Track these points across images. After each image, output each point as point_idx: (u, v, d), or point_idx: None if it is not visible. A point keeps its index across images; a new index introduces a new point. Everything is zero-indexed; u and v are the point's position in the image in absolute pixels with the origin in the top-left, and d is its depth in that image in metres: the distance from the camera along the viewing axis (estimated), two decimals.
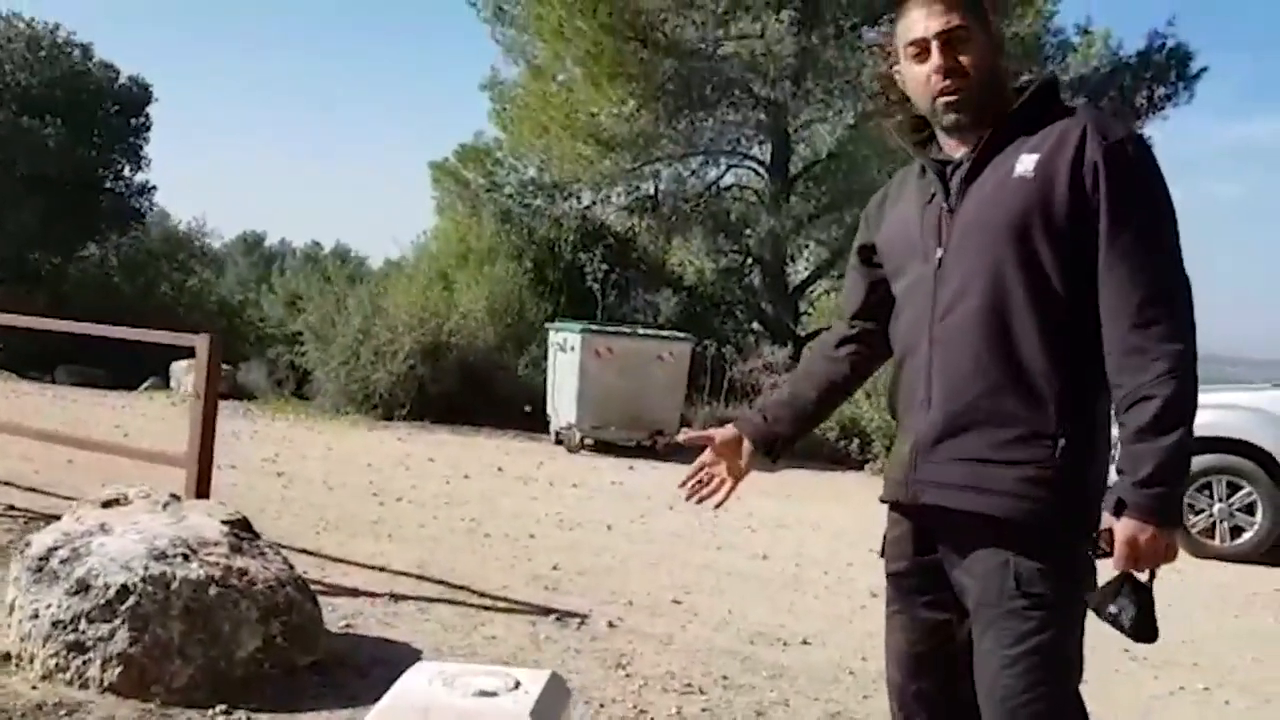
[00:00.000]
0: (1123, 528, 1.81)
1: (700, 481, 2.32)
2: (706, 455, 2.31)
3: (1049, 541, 1.89)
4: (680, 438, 2.41)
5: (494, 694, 2.31)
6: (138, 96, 21.15)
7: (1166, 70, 18.42)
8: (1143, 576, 1.86)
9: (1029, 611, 1.90)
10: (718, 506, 2.33)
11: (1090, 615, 1.92)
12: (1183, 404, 1.81)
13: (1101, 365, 1.88)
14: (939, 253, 2.02)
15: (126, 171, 21.42)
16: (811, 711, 3.86)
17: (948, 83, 2.01)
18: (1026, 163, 1.93)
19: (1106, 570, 1.90)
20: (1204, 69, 18.64)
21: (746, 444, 2.30)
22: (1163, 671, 4.77)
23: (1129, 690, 4.45)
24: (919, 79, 2.05)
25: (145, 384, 14.41)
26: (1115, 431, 1.92)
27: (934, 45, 2.02)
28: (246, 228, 55.20)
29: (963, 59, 2.00)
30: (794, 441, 2.35)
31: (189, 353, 12.93)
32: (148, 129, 21.42)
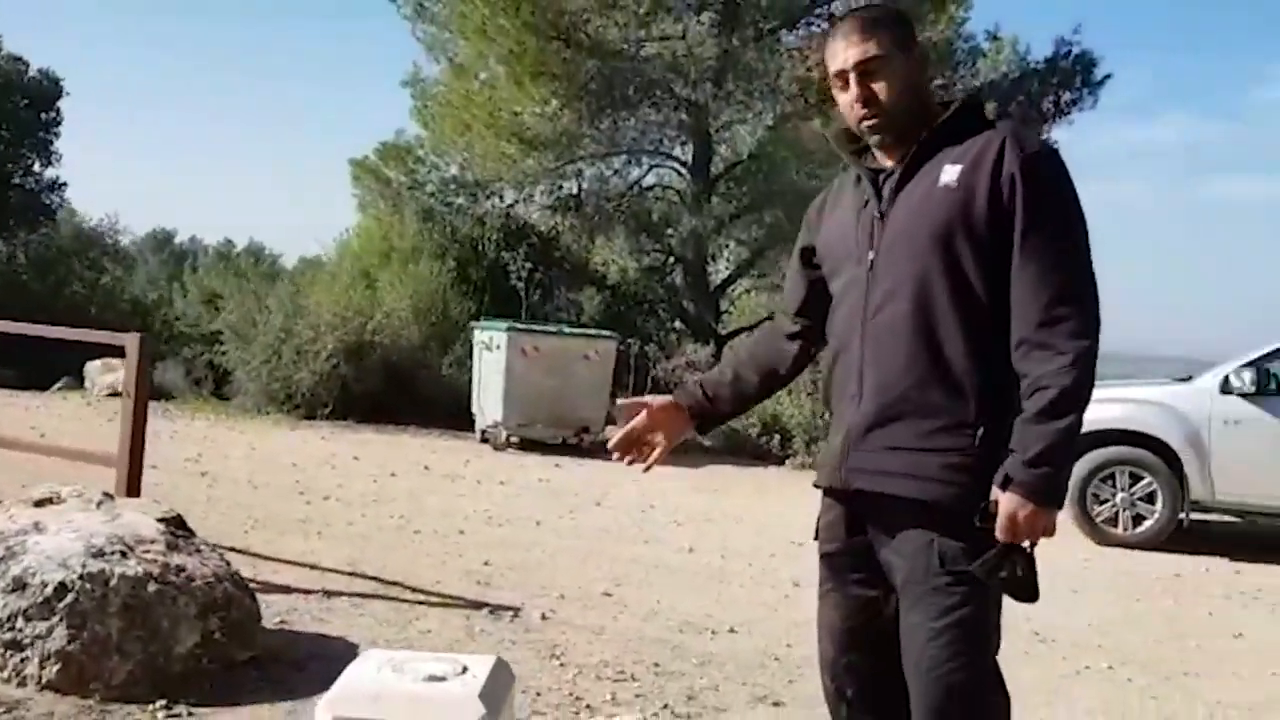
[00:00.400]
0: (1006, 501, 1.97)
1: (631, 443, 2.41)
2: (639, 420, 2.40)
3: (970, 522, 2.04)
4: (620, 402, 2.50)
5: (443, 679, 2.40)
6: (48, 90, 20.64)
7: (1072, 76, 19.02)
8: (1025, 545, 2.02)
9: (952, 587, 2.05)
10: (646, 470, 2.42)
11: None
12: (1077, 394, 1.97)
13: None
14: (871, 256, 2.16)
15: (36, 167, 20.89)
16: (740, 695, 4.01)
17: (866, 111, 2.16)
18: (950, 173, 2.09)
19: None
20: (1108, 75, 19.29)
21: (684, 415, 2.42)
22: (1070, 653, 5.01)
23: (1038, 671, 4.67)
24: (844, 105, 2.21)
25: (58, 384, 14.11)
26: None
27: (852, 76, 2.17)
28: (156, 224, 53.93)
29: (878, 88, 2.15)
30: (728, 419, 2.51)
31: (103, 352, 12.75)
32: (58, 124, 20.93)
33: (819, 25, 17.43)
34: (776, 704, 3.95)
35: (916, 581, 2.08)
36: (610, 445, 2.44)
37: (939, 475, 2.05)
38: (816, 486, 2.32)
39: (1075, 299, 2.00)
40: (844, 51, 2.17)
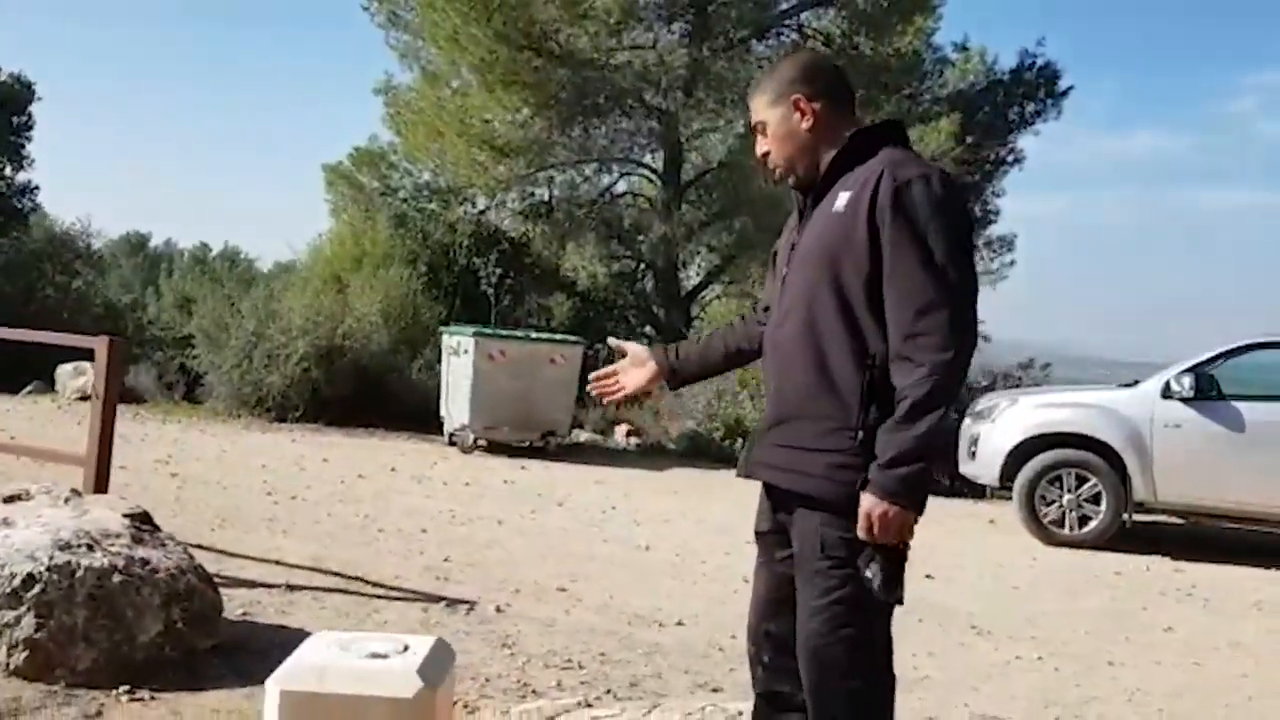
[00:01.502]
0: (863, 502, 2.18)
1: (605, 380, 2.76)
2: (620, 364, 2.76)
3: (851, 514, 2.24)
4: (610, 341, 2.90)
5: (385, 656, 2.60)
6: (20, 94, 20.66)
7: (1036, 88, 19.43)
8: (895, 545, 2.20)
9: (833, 570, 2.27)
10: (610, 403, 2.80)
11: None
12: (930, 402, 2.15)
13: None
14: (784, 273, 2.45)
15: (8, 171, 20.90)
16: (681, 681, 4.22)
17: (765, 163, 2.52)
18: (841, 200, 2.32)
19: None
20: (1071, 87, 19.69)
21: (654, 368, 2.73)
22: (1003, 644, 5.23)
23: (970, 659, 4.90)
24: None
25: (28, 388, 14.15)
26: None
27: (756, 135, 2.53)
28: (130, 228, 53.71)
29: (769, 146, 2.48)
30: (693, 381, 2.84)
31: (73, 355, 12.80)
32: (30, 127, 20.95)
33: (789, 35, 17.73)
34: (715, 690, 4.15)
35: (805, 563, 2.32)
36: (590, 377, 2.80)
37: (822, 473, 2.28)
38: (737, 476, 2.56)
39: (935, 315, 2.18)
40: (750, 110, 2.54)
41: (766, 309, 2.66)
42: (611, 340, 2.91)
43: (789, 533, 2.42)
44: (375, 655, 2.59)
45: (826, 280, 2.30)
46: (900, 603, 2.24)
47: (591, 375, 2.81)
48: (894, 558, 2.21)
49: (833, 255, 2.30)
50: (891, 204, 2.23)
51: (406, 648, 2.66)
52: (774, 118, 2.45)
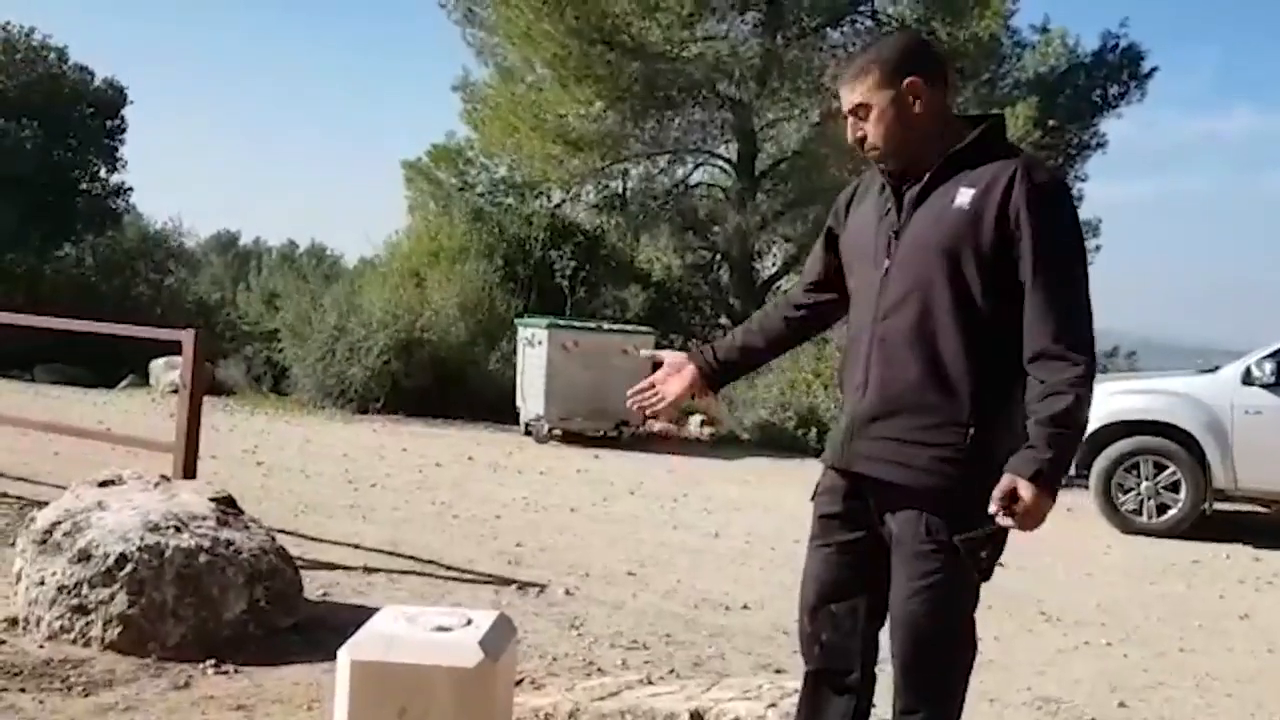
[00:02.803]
0: (1029, 492, 2.19)
1: (645, 393, 2.73)
2: (658, 374, 2.73)
3: (955, 503, 2.31)
4: (643, 352, 2.86)
5: (449, 629, 2.72)
6: (113, 99, 21.36)
7: (1119, 70, 19.02)
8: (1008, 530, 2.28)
9: (934, 554, 2.33)
10: (655, 418, 2.74)
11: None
12: (1082, 406, 2.23)
13: (1012, 369, 2.30)
14: (886, 264, 2.41)
15: (102, 173, 21.65)
16: (744, 663, 4.30)
17: (863, 148, 2.44)
18: (964, 196, 2.33)
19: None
20: (1155, 68, 19.24)
21: (694, 373, 2.72)
22: (1072, 630, 5.22)
23: (1037, 644, 4.90)
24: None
25: (124, 382, 14.70)
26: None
27: (850, 119, 2.44)
28: (220, 227, 55.10)
29: (870, 131, 2.40)
30: (736, 379, 2.83)
31: (168, 350, 13.28)
32: (123, 130, 21.66)
33: (863, 22, 17.60)
34: (779, 671, 4.21)
35: (906, 546, 2.37)
36: (629, 393, 2.76)
37: (929, 466, 2.32)
38: (822, 462, 2.61)
39: (1081, 319, 2.27)
40: (841, 94, 2.46)
41: (811, 288, 2.67)
42: (644, 352, 2.89)
43: (862, 516, 2.46)
44: (440, 628, 2.72)
45: (943, 275, 2.31)
46: (989, 578, 2.34)
47: (629, 391, 2.75)
48: (1002, 542, 2.31)
49: (952, 250, 2.30)
50: (1029, 206, 2.25)
51: (470, 621, 2.78)
52: (882, 100, 2.37)
